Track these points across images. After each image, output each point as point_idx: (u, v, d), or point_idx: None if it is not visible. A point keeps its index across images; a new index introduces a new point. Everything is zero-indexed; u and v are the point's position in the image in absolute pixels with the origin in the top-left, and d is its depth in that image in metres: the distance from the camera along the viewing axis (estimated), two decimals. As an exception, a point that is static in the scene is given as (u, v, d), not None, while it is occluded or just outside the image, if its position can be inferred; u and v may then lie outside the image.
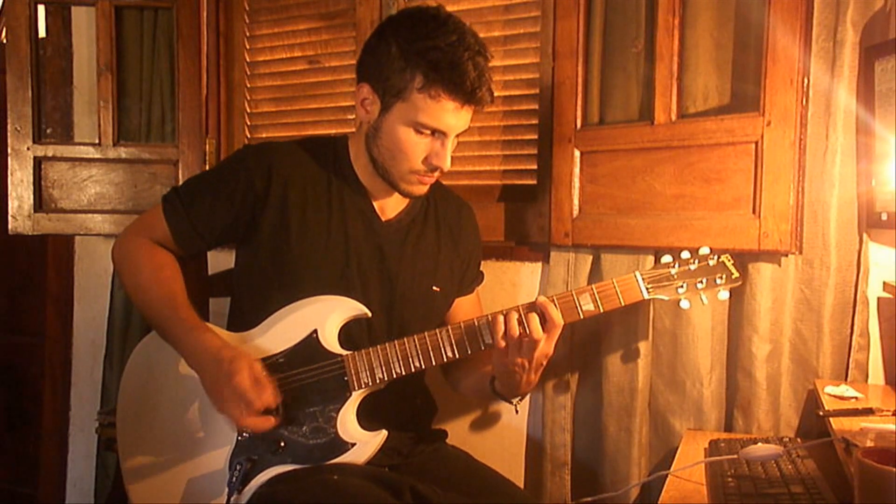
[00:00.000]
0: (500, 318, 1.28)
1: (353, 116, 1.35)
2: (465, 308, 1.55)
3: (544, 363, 1.33)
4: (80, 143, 2.17)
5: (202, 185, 1.43)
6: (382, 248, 1.42)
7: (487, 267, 1.68)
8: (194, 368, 1.30)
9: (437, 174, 1.37)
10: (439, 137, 1.31)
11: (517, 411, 1.50)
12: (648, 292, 1.37)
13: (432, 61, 1.24)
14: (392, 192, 1.42)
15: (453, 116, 1.29)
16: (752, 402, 1.52)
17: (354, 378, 1.31)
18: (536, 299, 1.30)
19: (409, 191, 1.39)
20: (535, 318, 1.27)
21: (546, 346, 1.29)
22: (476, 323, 1.32)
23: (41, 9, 2.16)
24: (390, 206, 1.46)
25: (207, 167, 2.13)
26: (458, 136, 1.34)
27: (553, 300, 1.31)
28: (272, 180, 1.37)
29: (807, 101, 1.45)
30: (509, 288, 1.85)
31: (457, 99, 1.27)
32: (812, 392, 1.48)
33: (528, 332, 1.26)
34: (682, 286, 1.38)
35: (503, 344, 1.28)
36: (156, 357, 1.39)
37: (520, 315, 1.28)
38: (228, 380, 1.23)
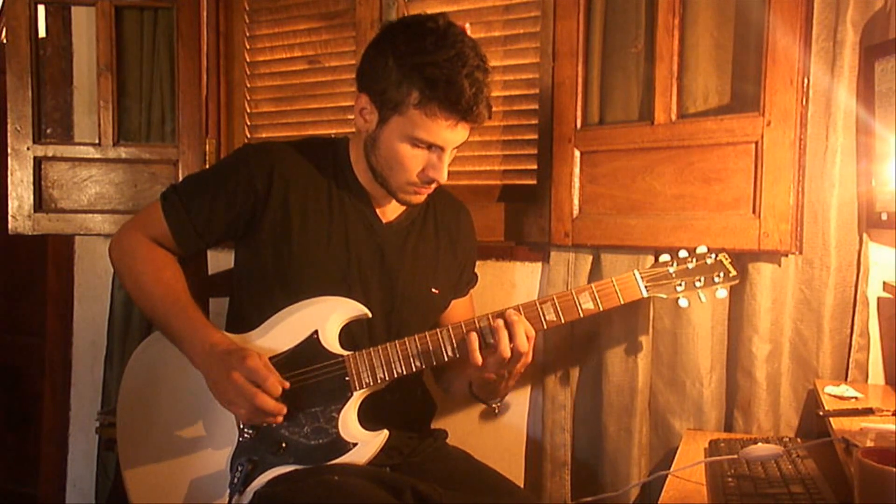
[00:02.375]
0: (474, 336, 1.27)
1: (353, 117, 1.35)
2: (458, 309, 1.56)
3: (522, 370, 1.33)
4: (80, 143, 2.18)
5: (202, 184, 1.42)
6: (383, 249, 1.43)
7: (487, 267, 1.68)
8: (199, 365, 1.30)
9: (433, 186, 1.37)
10: (436, 151, 1.31)
11: (496, 412, 1.52)
12: (647, 290, 1.37)
13: (428, 78, 1.23)
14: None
15: (449, 132, 1.28)
16: (752, 402, 1.52)
17: (356, 378, 1.31)
18: (505, 312, 1.29)
19: (406, 200, 1.39)
20: (504, 332, 1.26)
21: (525, 357, 1.29)
22: (477, 323, 1.32)
23: (41, 9, 2.16)
24: (391, 209, 1.46)
25: (207, 167, 2.13)
26: (455, 147, 1.33)
27: (520, 310, 1.31)
28: (273, 182, 1.36)
29: (807, 101, 1.45)
30: (509, 288, 1.85)
31: (452, 117, 1.26)
32: (812, 392, 1.48)
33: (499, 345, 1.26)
34: (680, 284, 1.38)
35: (480, 360, 1.27)
36: (157, 357, 1.39)
37: (491, 327, 1.28)
38: (241, 363, 1.23)
